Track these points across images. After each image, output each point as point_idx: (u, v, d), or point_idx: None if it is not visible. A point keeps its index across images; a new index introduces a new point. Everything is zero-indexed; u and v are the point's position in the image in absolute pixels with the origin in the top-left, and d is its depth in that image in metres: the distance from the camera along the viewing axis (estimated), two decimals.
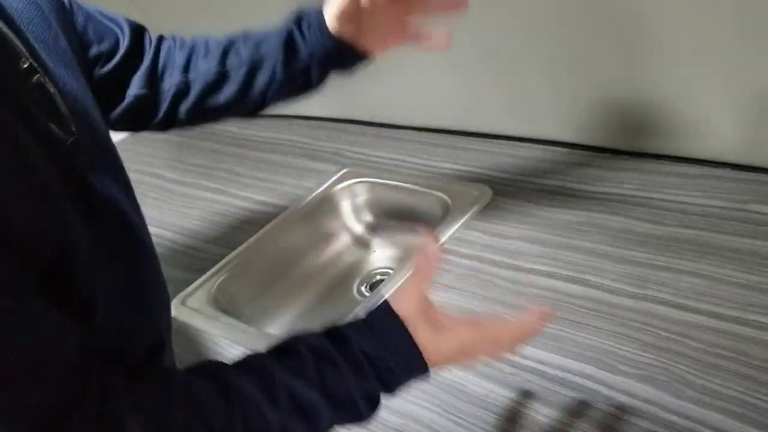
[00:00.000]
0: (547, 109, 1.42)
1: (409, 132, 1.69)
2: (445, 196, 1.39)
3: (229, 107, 1.00)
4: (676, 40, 1.13)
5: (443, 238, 1.27)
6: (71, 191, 0.62)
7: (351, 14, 0.90)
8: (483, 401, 0.92)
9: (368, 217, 1.56)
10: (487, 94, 1.47)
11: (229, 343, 1.18)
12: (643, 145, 1.34)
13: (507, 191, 1.36)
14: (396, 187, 1.49)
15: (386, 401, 0.69)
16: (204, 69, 0.99)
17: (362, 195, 1.55)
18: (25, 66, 0.63)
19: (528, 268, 1.15)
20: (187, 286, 1.37)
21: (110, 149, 0.80)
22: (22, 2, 0.73)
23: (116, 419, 0.55)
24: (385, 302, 0.71)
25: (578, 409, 0.88)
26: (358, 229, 1.55)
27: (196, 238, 1.54)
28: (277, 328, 1.38)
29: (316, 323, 0.73)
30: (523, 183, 1.37)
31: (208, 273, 1.40)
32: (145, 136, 2.02)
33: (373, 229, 1.55)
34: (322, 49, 0.94)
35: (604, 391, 0.89)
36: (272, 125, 1.94)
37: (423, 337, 0.68)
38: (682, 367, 0.89)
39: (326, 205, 1.55)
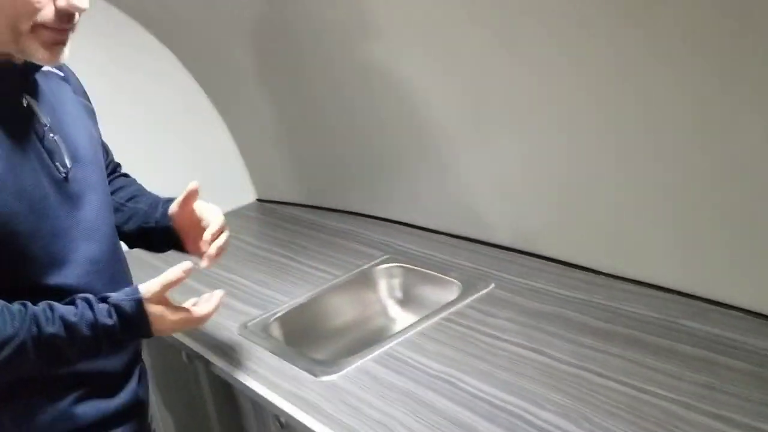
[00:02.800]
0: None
1: (444, 236, 2.14)
2: (458, 283, 1.81)
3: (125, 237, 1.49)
4: None
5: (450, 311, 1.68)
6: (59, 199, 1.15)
7: (176, 219, 1.42)
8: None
9: (398, 294, 1.98)
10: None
11: (269, 354, 1.61)
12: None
13: (504, 287, 1.76)
14: (422, 272, 1.92)
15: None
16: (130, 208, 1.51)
17: (397, 277, 1.99)
18: (47, 127, 1.16)
19: (504, 338, 1.53)
20: (252, 318, 1.81)
21: (93, 185, 1.25)
22: (58, 85, 1.26)
23: None
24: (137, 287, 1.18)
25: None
26: (389, 301, 1.98)
27: (266, 286, 2.01)
28: (309, 352, 1.78)
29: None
30: (518, 283, 1.77)
31: (270, 312, 1.84)
32: (239, 213, 2.58)
33: (400, 302, 1.97)
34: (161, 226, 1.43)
35: (528, 415, 1.25)
36: (343, 219, 2.44)
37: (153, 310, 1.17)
38: (588, 410, 1.24)
39: (368, 278, 1.99)
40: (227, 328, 1.78)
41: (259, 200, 2.92)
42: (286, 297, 1.92)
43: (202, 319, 1.26)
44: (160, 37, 2.56)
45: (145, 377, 1.40)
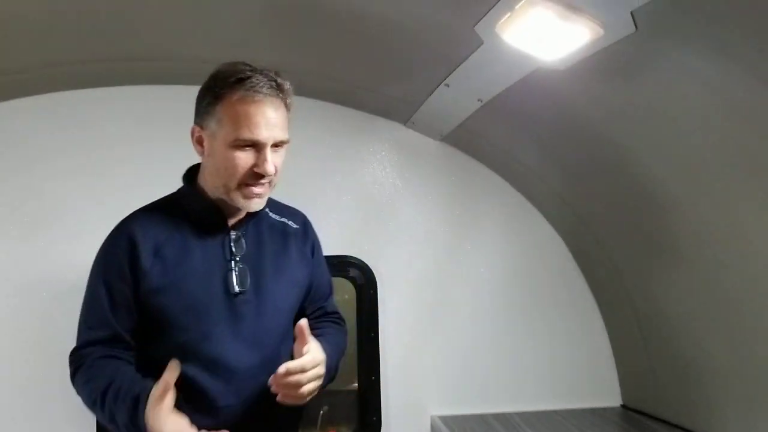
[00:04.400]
0: None
1: None
2: None
3: None
4: None
5: None
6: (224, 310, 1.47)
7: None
8: None
9: None
10: None
11: None
12: None
13: None
14: None
15: None
16: None
17: None
18: (237, 257, 1.50)
19: None
20: None
21: (263, 311, 1.49)
22: (274, 230, 1.59)
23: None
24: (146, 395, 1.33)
25: None
26: None
27: None
28: None
29: None
30: None
31: None
32: (598, 413, 2.23)
33: None
34: None
35: None
36: None
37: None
38: None
39: None
40: None
41: (624, 407, 2.52)
42: None
43: None
44: (538, 208, 2.59)
45: None
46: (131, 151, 2.32)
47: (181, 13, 1.83)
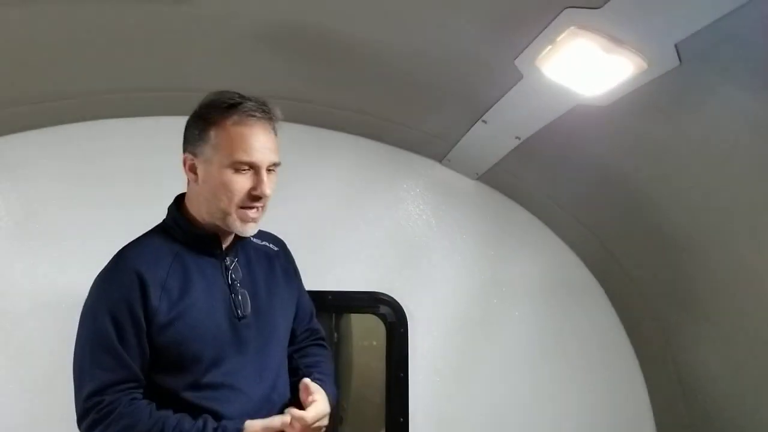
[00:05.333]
0: None
1: None
2: None
3: None
4: None
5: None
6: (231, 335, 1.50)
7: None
8: None
9: None
10: None
11: None
12: None
13: None
14: None
15: None
16: None
17: None
18: (237, 282, 1.54)
19: None
20: None
21: (265, 332, 1.54)
22: (259, 253, 1.63)
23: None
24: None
25: None
26: None
27: None
28: None
29: None
30: None
31: None
32: None
33: None
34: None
35: None
36: None
37: None
38: None
39: None
40: None
41: None
42: None
43: None
44: (577, 253, 2.52)
45: None
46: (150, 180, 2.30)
47: (207, 48, 1.87)
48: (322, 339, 1.77)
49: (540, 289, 2.52)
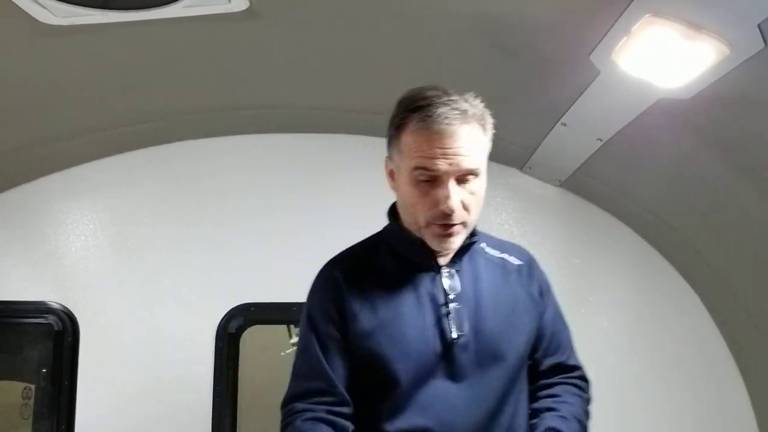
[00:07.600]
0: None
1: None
2: None
3: None
4: None
5: None
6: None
7: None
8: None
9: None
10: None
11: None
12: None
13: None
14: None
15: None
16: None
17: None
18: (451, 296, 1.31)
19: None
20: None
21: (486, 361, 1.30)
22: (496, 268, 1.38)
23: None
24: None
25: None
26: None
27: None
28: None
29: None
30: None
31: None
32: None
33: None
34: None
35: None
36: None
37: None
38: None
39: None
40: None
41: None
42: None
43: None
44: (682, 273, 2.40)
45: None
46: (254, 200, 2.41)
47: (299, 65, 1.95)
48: (578, 378, 1.45)
49: (630, 297, 2.43)
